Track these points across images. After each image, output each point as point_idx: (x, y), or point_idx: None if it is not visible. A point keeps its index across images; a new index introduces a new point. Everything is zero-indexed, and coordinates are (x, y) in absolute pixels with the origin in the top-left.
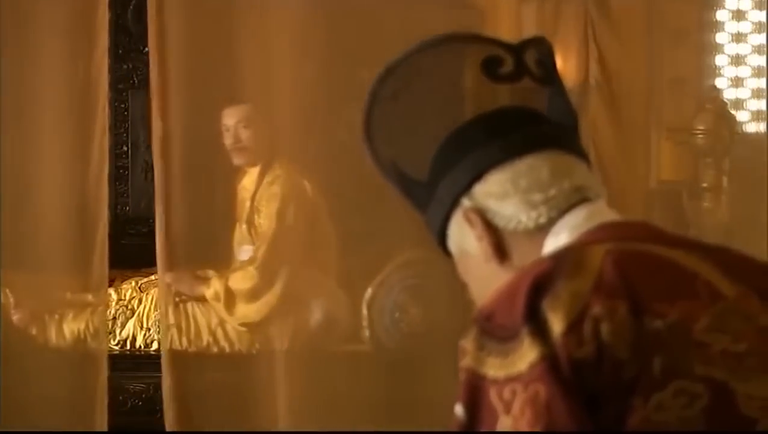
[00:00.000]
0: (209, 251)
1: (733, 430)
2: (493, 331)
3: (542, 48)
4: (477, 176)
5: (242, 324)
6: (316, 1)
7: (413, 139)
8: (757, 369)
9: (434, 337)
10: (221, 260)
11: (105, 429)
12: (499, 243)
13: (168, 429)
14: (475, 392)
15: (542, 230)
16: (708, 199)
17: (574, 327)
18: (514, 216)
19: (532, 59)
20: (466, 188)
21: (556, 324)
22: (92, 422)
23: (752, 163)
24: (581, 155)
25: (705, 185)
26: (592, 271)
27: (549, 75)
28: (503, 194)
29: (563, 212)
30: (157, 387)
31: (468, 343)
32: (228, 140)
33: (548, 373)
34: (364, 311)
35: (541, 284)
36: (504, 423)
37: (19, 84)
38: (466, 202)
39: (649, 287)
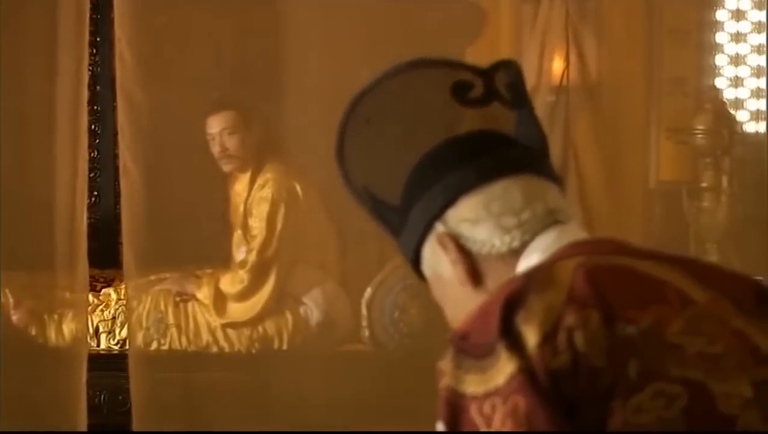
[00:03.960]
0: (173, 253)
1: (713, 428)
2: (470, 350)
3: (512, 71)
4: (450, 201)
5: (228, 325)
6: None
7: (386, 163)
8: (735, 369)
9: (434, 337)
10: (187, 263)
11: (85, 428)
12: (473, 268)
13: (142, 428)
14: (455, 410)
15: (515, 253)
16: (708, 199)
17: (548, 338)
18: (488, 241)
19: (502, 83)
20: (439, 214)
21: (531, 337)
22: (74, 421)
23: (752, 163)
24: (553, 178)
25: (705, 185)
26: (564, 284)
27: (519, 98)
28: (476, 218)
29: (536, 234)
30: None
31: (445, 364)
32: (215, 149)
33: (526, 385)
34: (364, 311)
35: (514, 301)
36: None
37: (14, 88)
38: (439, 227)
39: (620, 295)
